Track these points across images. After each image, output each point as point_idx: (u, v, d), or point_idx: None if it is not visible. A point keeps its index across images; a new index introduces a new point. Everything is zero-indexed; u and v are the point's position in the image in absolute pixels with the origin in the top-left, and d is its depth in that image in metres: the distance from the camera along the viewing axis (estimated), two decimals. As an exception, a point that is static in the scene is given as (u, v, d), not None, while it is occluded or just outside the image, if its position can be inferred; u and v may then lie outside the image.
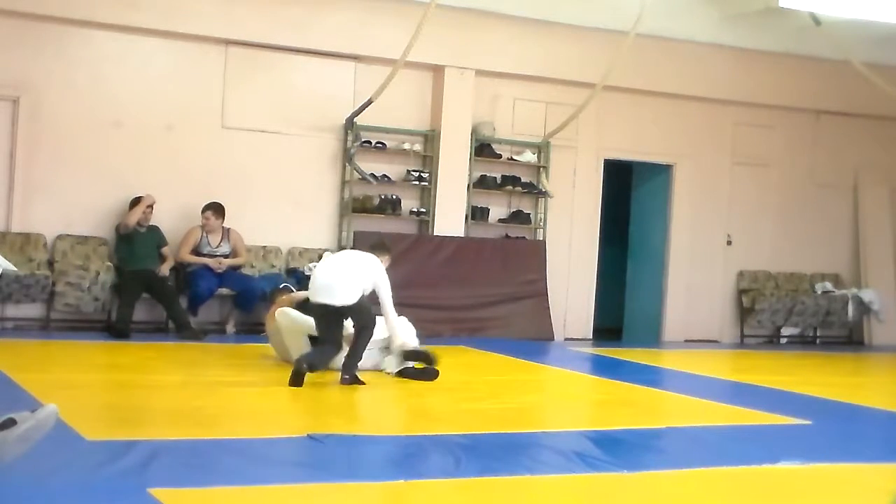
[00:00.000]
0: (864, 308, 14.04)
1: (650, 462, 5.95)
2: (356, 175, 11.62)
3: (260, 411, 6.98)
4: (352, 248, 8.47)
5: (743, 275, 13.92)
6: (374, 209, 11.83)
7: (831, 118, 14.29)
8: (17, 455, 4.32)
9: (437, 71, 12.15)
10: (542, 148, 12.67)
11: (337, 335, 8.10)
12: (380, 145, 11.89)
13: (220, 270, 10.74)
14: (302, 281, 10.67)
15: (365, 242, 11.55)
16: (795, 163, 14.17)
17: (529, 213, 12.68)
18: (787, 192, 14.12)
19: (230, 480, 4.86)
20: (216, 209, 10.86)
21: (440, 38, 11.49)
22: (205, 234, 10.91)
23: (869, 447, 7.03)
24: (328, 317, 8.09)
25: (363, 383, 7.92)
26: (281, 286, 9.97)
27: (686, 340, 13.44)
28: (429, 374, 8.30)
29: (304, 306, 8.57)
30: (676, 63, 13.05)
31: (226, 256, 10.94)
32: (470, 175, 12.28)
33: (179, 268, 10.89)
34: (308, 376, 7.77)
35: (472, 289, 12.07)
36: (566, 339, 12.71)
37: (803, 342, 14.23)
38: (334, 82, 11.76)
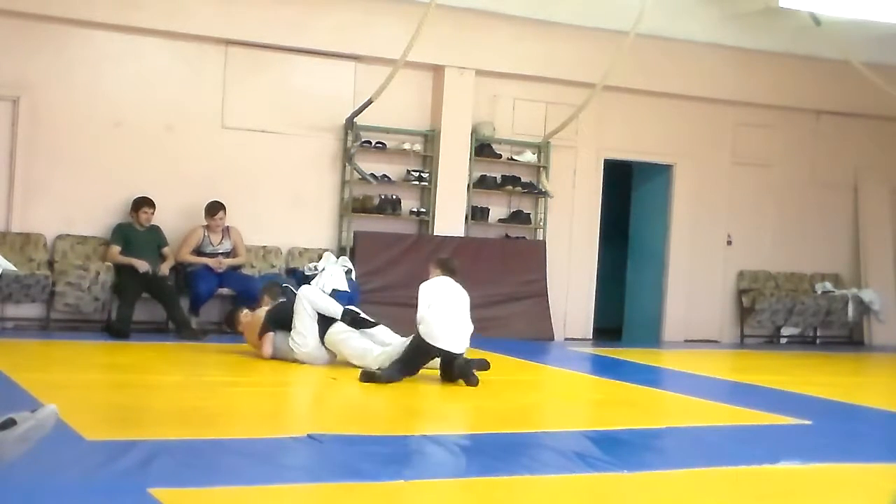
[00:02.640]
0: (864, 308, 14.04)
1: (650, 462, 5.95)
2: (356, 175, 11.62)
3: (260, 411, 6.99)
4: (450, 280, 8.65)
5: (743, 275, 13.93)
6: (374, 209, 11.83)
7: (831, 118, 14.29)
8: (17, 455, 4.31)
9: (437, 71, 12.15)
10: (542, 148, 12.67)
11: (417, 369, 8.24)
12: (380, 145, 11.89)
13: (220, 270, 10.74)
14: (302, 281, 10.67)
15: (366, 243, 11.65)
16: (795, 163, 14.17)
17: (529, 213, 12.68)
18: (787, 192, 14.12)
19: (230, 480, 4.86)
20: (223, 207, 10.89)
21: (440, 38, 11.49)
22: (206, 234, 10.91)
23: (869, 447, 7.03)
24: (433, 357, 8.21)
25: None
26: (282, 286, 9.98)
27: (686, 340, 13.44)
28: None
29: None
30: (676, 63, 13.05)
31: (227, 254, 10.95)
32: (470, 175, 12.28)
33: (179, 268, 10.88)
34: (310, 378, 7.77)
35: (471, 289, 11.97)
36: (566, 339, 12.71)
37: (803, 342, 14.23)
38: (334, 82, 11.76)
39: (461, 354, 8.28)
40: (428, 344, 8.15)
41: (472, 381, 8.17)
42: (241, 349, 9.56)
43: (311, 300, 8.84)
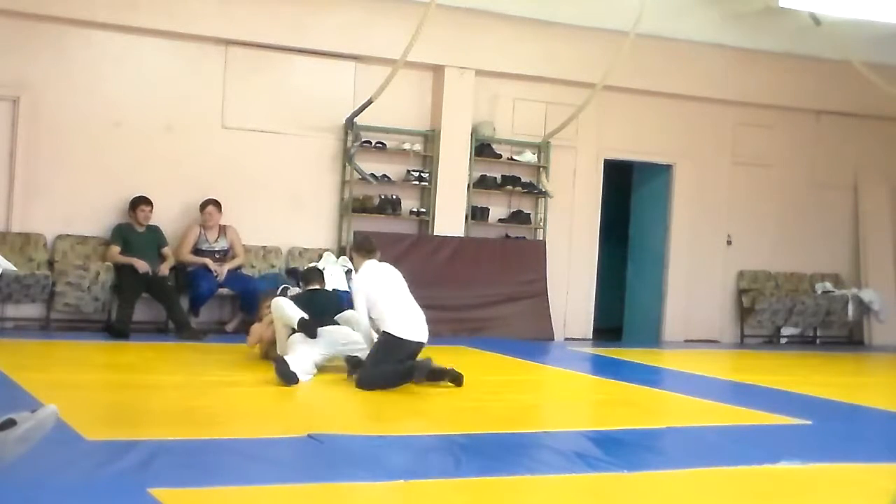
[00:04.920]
0: (864, 308, 14.04)
1: (650, 462, 5.95)
2: (356, 175, 11.62)
3: (260, 411, 6.99)
4: (383, 264, 8.44)
5: (743, 275, 13.93)
6: (374, 209, 11.82)
7: (831, 118, 14.29)
8: (17, 455, 4.32)
9: (437, 71, 12.15)
10: (542, 148, 12.67)
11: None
12: (380, 145, 11.89)
13: (220, 279, 10.73)
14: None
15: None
16: (795, 163, 14.17)
17: (529, 213, 12.68)
18: (787, 192, 14.12)
19: (230, 480, 4.86)
20: (216, 203, 10.91)
21: (440, 38, 11.49)
22: (203, 232, 10.93)
23: (869, 447, 7.02)
24: (412, 352, 8.07)
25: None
26: (280, 288, 9.96)
27: (686, 340, 13.44)
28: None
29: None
30: (676, 63, 13.05)
31: (224, 252, 10.96)
32: (470, 175, 12.28)
33: (179, 268, 10.89)
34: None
35: (472, 289, 12.06)
36: (566, 339, 12.71)
37: (803, 342, 14.23)
38: (334, 82, 11.76)
39: (425, 344, 8.16)
40: (397, 338, 7.99)
41: (458, 380, 8.10)
42: (240, 349, 9.56)
43: (275, 311, 8.77)
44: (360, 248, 8.56)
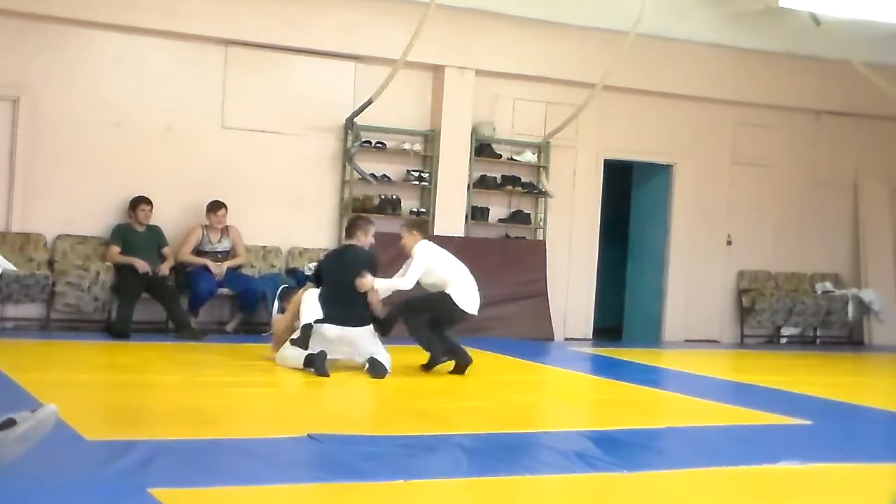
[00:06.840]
0: (864, 308, 14.04)
1: (650, 462, 5.95)
2: (356, 175, 11.62)
3: (260, 411, 6.99)
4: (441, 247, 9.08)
5: (743, 275, 13.93)
6: (374, 209, 11.81)
7: (831, 118, 14.29)
8: (17, 455, 4.32)
9: (437, 71, 12.15)
10: (542, 148, 12.67)
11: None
12: (380, 145, 11.89)
13: (220, 277, 10.73)
14: (302, 281, 10.67)
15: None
16: (795, 163, 14.17)
17: (529, 213, 12.68)
18: (787, 192, 14.12)
19: (230, 480, 4.86)
20: (225, 206, 10.91)
21: (440, 38, 11.49)
22: (205, 233, 10.93)
23: (869, 447, 7.03)
24: (461, 319, 8.85)
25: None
26: (280, 288, 9.95)
27: (686, 340, 13.44)
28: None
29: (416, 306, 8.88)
30: (676, 63, 13.05)
31: (226, 253, 10.96)
32: (470, 175, 12.28)
33: (179, 268, 10.89)
34: (308, 378, 7.77)
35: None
36: (566, 339, 12.71)
37: (803, 342, 14.23)
38: (334, 82, 11.76)
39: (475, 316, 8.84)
40: (455, 304, 8.57)
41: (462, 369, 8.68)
42: (240, 349, 9.55)
43: (302, 302, 8.81)
44: (420, 227, 9.12)
